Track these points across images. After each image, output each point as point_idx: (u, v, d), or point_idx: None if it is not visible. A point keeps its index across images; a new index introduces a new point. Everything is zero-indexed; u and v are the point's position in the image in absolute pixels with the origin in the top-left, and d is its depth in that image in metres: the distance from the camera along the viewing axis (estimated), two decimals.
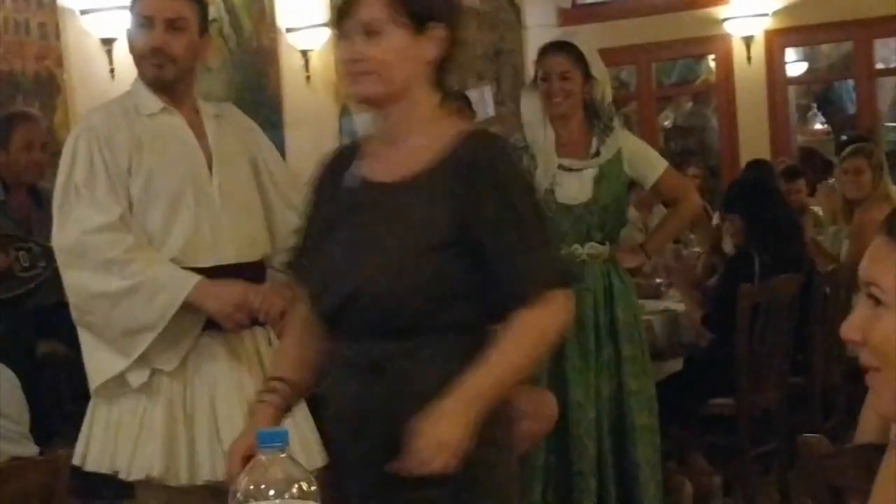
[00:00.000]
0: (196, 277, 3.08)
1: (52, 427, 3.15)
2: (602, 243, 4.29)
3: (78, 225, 3.07)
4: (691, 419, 5.13)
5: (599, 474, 4.24)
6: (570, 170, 4.26)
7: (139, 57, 3.22)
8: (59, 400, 4.31)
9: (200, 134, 3.25)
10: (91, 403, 3.17)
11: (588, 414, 4.22)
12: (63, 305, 3.20)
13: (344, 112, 9.00)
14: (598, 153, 4.27)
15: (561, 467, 4.27)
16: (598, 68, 4.30)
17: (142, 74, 3.24)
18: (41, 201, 4.88)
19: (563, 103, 4.26)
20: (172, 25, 3.17)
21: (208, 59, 6.93)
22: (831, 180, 7.13)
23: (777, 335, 5.05)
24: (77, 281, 3.09)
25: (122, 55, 7.04)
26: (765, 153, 9.64)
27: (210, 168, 3.21)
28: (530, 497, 4.26)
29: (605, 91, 4.33)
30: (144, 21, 3.18)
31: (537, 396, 3.95)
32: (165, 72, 3.19)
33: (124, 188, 3.12)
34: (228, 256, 3.19)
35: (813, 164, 8.93)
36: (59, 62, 6.79)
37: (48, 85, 6.71)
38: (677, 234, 4.91)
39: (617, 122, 4.41)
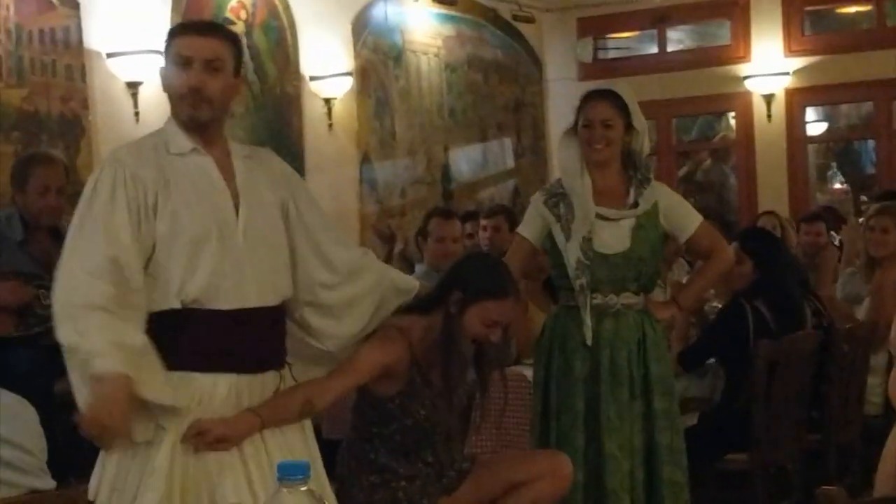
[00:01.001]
0: (111, 371, 2.91)
1: (67, 464, 3.15)
2: (637, 294, 4.28)
3: (76, 263, 3.04)
4: (706, 474, 5.11)
5: None
6: (608, 219, 4.24)
7: (177, 97, 3.17)
8: (76, 438, 4.32)
9: (229, 175, 3.20)
10: None
11: (623, 466, 4.17)
12: None
13: (365, 159, 9.06)
14: (636, 204, 4.26)
15: None
16: (639, 120, 4.28)
17: (176, 114, 3.21)
18: (61, 240, 4.90)
19: (604, 150, 4.23)
20: (210, 66, 3.14)
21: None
22: (860, 219, 7.12)
23: (793, 391, 5.04)
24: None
25: (148, 99, 7.16)
26: (783, 211, 9.65)
27: (237, 210, 3.17)
28: None
29: (643, 143, 4.33)
30: (182, 60, 3.14)
31: (553, 458, 3.93)
32: (201, 112, 3.15)
33: (148, 224, 3.08)
34: (249, 300, 3.14)
35: (829, 220, 8.91)
36: (85, 104, 6.86)
37: (73, 126, 6.77)
38: (710, 287, 4.88)
39: (653, 175, 4.40)
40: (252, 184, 3.23)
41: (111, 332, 2.93)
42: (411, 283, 3.65)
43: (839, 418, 5.44)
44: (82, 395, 2.95)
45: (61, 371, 4.64)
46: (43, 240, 4.91)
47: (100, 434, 2.92)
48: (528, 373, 4.86)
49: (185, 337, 3.11)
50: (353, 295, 3.44)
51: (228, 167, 3.21)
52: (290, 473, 1.48)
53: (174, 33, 3.24)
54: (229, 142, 3.30)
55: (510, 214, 7.27)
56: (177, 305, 3.10)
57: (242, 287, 3.13)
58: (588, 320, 4.18)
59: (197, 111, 3.15)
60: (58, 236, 4.93)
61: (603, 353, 4.20)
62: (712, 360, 5.35)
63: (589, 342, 4.19)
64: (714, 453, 5.04)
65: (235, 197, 3.18)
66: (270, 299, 3.21)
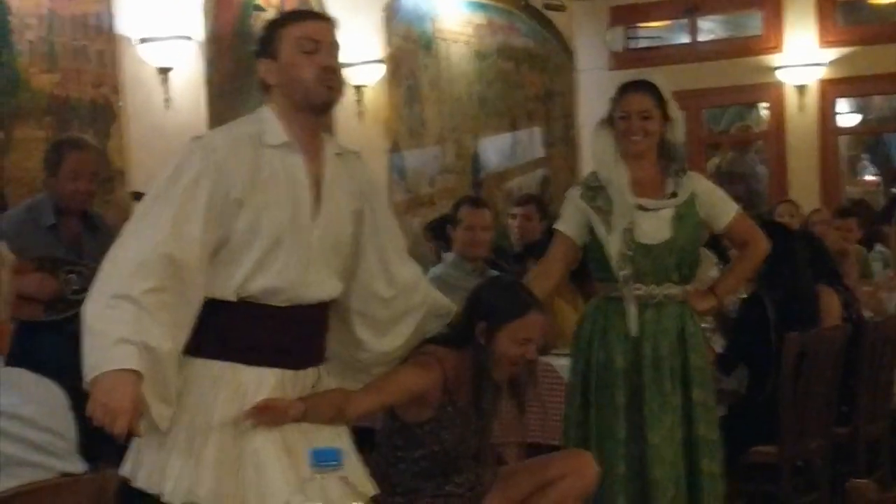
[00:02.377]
0: (108, 367, 2.83)
1: (98, 448, 3.15)
2: (677, 284, 4.24)
3: (133, 244, 2.97)
4: (733, 467, 5.09)
5: None
6: (647, 209, 4.20)
7: (310, 81, 3.08)
8: None
9: (316, 176, 3.14)
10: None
11: (666, 457, 4.15)
12: None
13: (394, 148, 9.06)
14: (674, 194, 4.24)
15: None
16: (674, 110, 4.25)
17: (304, 98, 3.10)
18: (92, 225, 4.92)
19: (642, 142, 4.19)
20: (335, 49, 3.13)
21: None
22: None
23: (822, 384, 5.02)
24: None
25: (178, 84, 7.18)
26: (814, 202, 9.60)
27: (315, 213, 3.12)
28: None
29: (679, 133, 4.31)
30: (311, 45, 3.08)
31: (577, 457, 3.93)
32: (336, 93, 3.11)
33: (227, 219, 3.02)
34: (305, 299, 3.14)
35: (862, 216, 8.85)
36: (116, 90, 6.88)
37: (104, 112, 6.80)
38: (747, 277, 4.85)
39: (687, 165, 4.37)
40: (336, 187, 3.19)
41: (134, 329, 2.87)
42: (450, 307, 3.63)
43: (868, 412, 5.41)
44: (88, 375, 2.87)
45: None
46: (73, 225, 4.92)
47: (109, 421, 2.81)
48: (556, 363, 4.86)
49: (237, 330, 3.10)
50: (400, 313, 3.43)
51: (318, 166, 3.16)
52: (324, 460, 1.48)
53: (285, 21, 3.19)
54: (325, 136, 3.24)
55: (541, 204, 7.27)
56: (232, 298, 3.08)
57: (302, 287, 3.12)
58: (633, 311, 4.16)
59: (333, 91, 3.10)
60: (88, 222, 4.96)
61: (645, 345, 4.17)
62: None
63: (634, 333, 4.16)
64: (741, 446, 5.02)
65: (317, 199, 3.14)
66: (316, 298, 3.19)
